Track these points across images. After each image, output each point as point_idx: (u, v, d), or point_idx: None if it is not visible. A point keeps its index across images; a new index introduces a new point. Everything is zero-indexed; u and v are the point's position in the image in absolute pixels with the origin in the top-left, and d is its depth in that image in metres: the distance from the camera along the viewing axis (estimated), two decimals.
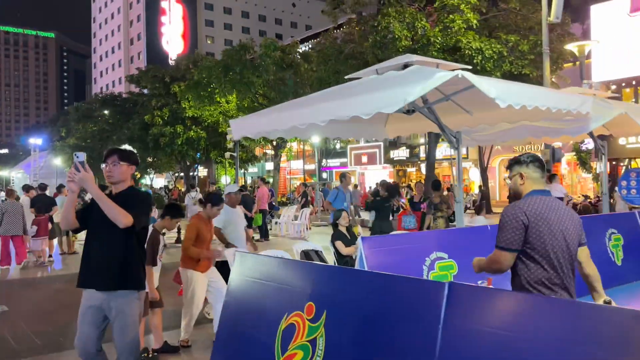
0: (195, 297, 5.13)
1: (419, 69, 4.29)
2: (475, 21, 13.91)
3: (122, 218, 3.15)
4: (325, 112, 4.25)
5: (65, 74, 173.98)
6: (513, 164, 2.99)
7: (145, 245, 3.67)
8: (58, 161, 38.73)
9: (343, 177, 10.18)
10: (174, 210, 5.07)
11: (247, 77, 19.53)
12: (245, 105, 21.95)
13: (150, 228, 4.48)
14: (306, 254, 6.12)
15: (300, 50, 22.86)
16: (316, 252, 6.22)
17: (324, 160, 38.66)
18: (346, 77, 5.58)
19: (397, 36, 13.70)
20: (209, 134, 28.41)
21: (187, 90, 22.04)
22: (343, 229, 6.48)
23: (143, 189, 19.94)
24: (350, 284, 2.49)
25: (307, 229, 15.65)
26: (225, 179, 48.90)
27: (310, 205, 20.37)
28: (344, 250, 6.23)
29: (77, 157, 3.22)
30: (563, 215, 2.82)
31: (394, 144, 37.02)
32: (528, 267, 2.77)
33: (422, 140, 35.89)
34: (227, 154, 26.28)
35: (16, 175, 53.38)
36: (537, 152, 14.80)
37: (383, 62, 5.00)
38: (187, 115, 28.11)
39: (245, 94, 19.69)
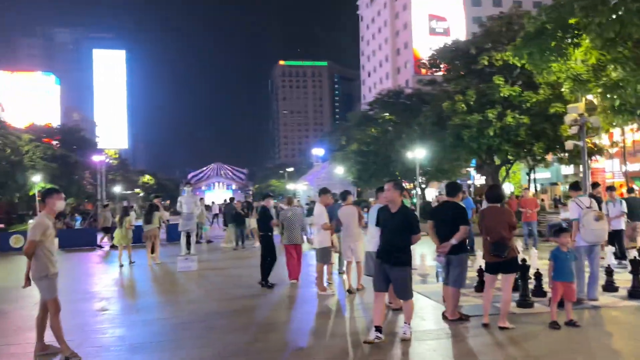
0: None
1: None
2: None
3: None
4: None
5: (336, 98, 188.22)
6: None
7: None
8: (340, 170, 36.10)
9: None
10: None
11: None
12: (608, 58, 13.48)
13: None
14: None
15: None
16: None
17: None
18: None
19: None
20: (532, 120, 20.47)
21: (522, 45, 14.68)
22: None
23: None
24: None
25: None
26: (508, 188, 39.41)
27: None
28: None
29: None
30: None
31: None
32: None
33: None
34: (569, 143, 17.82)
35: (301, 187, 54.77)
36: None
37: None
38: (500, 95, 20.83)
39: None
